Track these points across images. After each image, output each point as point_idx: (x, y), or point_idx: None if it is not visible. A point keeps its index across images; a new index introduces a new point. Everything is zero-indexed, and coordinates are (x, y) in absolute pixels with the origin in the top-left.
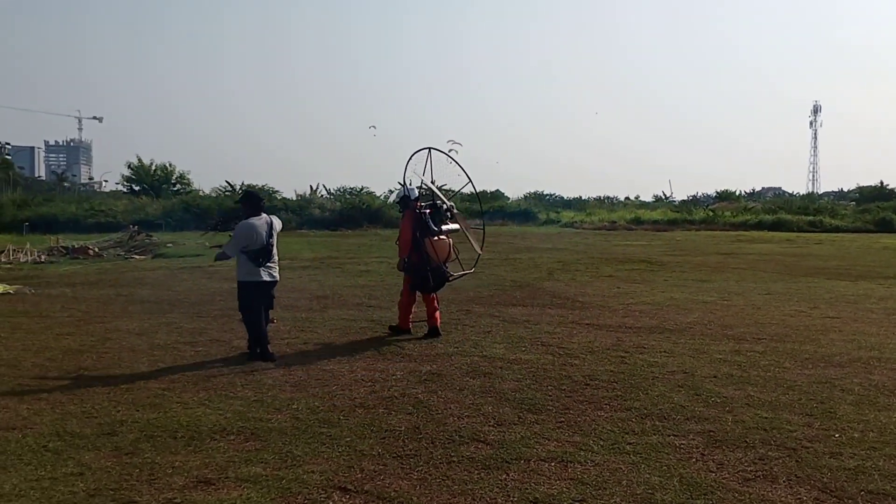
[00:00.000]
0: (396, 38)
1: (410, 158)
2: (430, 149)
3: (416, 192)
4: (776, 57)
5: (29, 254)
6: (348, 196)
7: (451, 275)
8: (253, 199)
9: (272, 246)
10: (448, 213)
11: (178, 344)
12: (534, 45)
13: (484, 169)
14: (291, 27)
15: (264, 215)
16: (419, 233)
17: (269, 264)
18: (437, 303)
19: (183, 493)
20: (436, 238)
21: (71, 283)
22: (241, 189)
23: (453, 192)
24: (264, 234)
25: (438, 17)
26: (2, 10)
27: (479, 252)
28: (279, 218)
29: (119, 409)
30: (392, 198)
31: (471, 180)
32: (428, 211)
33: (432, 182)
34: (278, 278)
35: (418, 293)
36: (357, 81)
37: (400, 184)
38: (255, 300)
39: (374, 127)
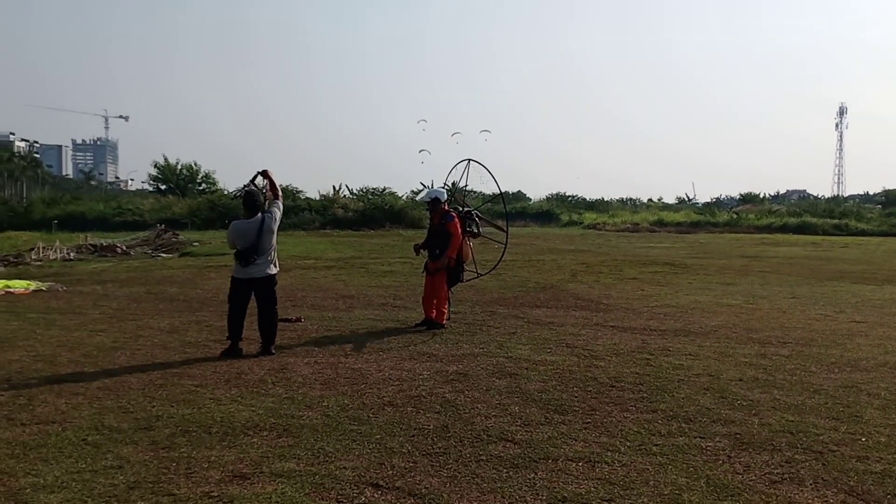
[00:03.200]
0: (418, 38)
1: (454, 168)
2: (469, 160)
3: (445, 194)
4: (804, 57)
5: (58, 251)
6: (371, 196)
7: (463, 277)
8: (248, 200)
9: (259, 245)
10: (474, 219)
11: (209, 342)
12: (556, 39)
13: (506, 169)
14: (309, 29)
15: (259, 215)
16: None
17: (257, 262)
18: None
19: (220, 487)
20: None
21: (101, 281)
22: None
23: (482, 195)
24: (253, 234)
25: (462, 16)
26: (31, 11)
27: (503, 252)
28: (279, 207)
29: (154, 405)
30: (422, 196)
31: (502, 194)
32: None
33: (465, 188)
34: (270, 273)
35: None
36: (368, 84)
37: (423, 185)
38: (239, 295)
39: (424, 121)
